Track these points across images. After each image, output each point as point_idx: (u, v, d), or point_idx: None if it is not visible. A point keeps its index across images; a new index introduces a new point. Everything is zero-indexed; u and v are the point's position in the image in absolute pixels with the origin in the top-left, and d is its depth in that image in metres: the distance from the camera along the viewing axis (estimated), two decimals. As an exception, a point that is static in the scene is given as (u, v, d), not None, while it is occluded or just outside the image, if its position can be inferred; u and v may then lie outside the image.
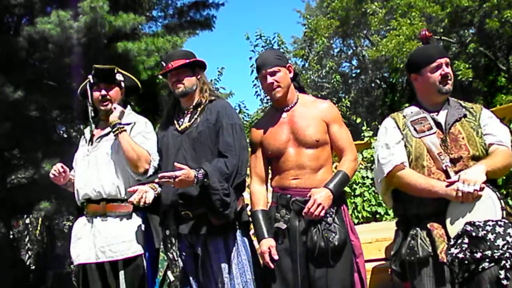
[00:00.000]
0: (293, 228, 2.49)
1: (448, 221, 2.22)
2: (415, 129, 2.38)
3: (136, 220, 2.85)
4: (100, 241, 2.78)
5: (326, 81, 13.46)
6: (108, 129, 2.91)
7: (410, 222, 2.36)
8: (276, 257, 2.48)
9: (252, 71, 12.21)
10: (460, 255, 2.07)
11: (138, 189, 2.56)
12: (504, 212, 2.11)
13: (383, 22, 13.47)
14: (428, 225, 2.27)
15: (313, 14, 18.40)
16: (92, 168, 2.87)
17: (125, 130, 2.78)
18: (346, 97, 13.65)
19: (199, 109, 2.73)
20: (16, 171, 7.86)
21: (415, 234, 2.30)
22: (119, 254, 2.77)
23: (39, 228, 10.46)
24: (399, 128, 2.43)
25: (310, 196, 2.46)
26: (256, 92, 12.38)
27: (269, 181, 2.79)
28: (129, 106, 3.06)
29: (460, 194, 2.15)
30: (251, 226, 2.73)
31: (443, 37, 13.49)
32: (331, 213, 2.48)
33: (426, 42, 2.98)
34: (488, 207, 2.13)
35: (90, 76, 2.92)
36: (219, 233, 2.58)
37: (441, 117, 2.39)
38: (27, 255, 10.19)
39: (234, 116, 2.72)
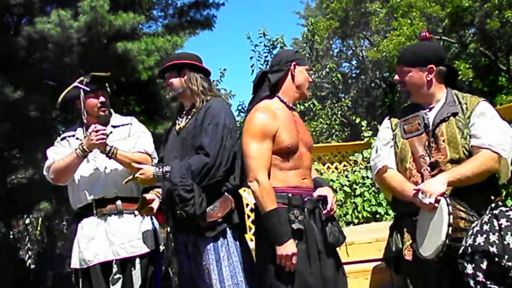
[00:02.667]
0: (310, 228, 2.45)
1: (417, 225, 2.27)
2: (404, 130, 2.40)
3: (147, 217, 2.93)
4: (119, 238, 2.83)
5: (326, 81, 13.44)
6: (107, 131, 2.92)
7: (399, 218, 2.46)
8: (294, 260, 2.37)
9: (253, 71, 12.22)
10: (470, 271, 2.00)
11: (146, 199, 2.65)
12: (450, 228, 2.06)
13: (383, 22, 13.46)
14: (403, 224, 2.37)
15: (313, 15, 18.38)
16: (103, 171, 2.91)
17: (116, 149, 2.81)
18: (346, 97, 13.63)
19: (193, 110, 2.74)
20: (16, 171, 7.85)
21: (396, 231, 2.40)
22: (139, 250, 2.84)
23: (39, 228, 10.46)
24: (392, 128, 2.46)
25: (319, 196, 2.51)
26: (256, 92, 12.31)
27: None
28: (111, 110, 3.09)
29: (420, 203, 2.19)
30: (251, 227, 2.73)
31: (443, 37, 13.49)
32: None
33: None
34: (439, 219, 2.12)
35: (81, 85, 2.89)
36: (208, 234, 2.57)
37: (431, 116, 2.39)
38: (27, 255, 10.18)
39: (221, 115, 2.61)
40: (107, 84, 3.00)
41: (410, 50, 2.53)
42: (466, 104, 2.37)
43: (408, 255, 2.29)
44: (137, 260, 2.82)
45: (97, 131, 2.75)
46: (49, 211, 7.06)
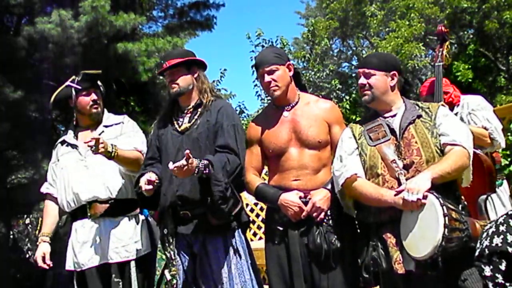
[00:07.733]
0: (292, 231, 2.46)
1: (401, 230, 2.20)
2: (370, 138, 2.36)
3: (141, 220, 2.90)
4: (112, 242, 2.79)
5: (326, 81, 13.46)
6: (99, 131, 2.91)
7: (369, 229, 2.35)
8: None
9: (253, 71, 12.25)
10: (488, 274, 1.97)
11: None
12: (447, 218, 2.04)
13: (382, 24, 13.46)
14: (383, 236, 2.26)
15: (313, 14, 18.38)
16: (95, 171, 2.85)
17: (117, 151, 2.69)
18: (347, 97, 13.65)
19: (199, 109, 2.68)
20: (16, 171, 7.85)
21: (375, 244, 2.28)
22: (134, 254, 2.80)
23: (39, 228, 10.45)
24: (355, 138, 2.41)
25: (310, 199, 2.45)
26: (257, 92, 12.38)
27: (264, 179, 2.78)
28: (105, 110, 3.06)
29: (406, 203, 2.13)
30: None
31: (442, 38, 13.47)
32: (332, 214, 2.47)
33: (442, 37, 2.98)
34: (432, 214, 2.08)
35: (73, 84, 2.88)
36: (218, 233, 2.55)
37: (396, 121, 2.36)
38: (27, 255, 10.17)
39: (235, 117, 2.69)
40: (99, 83, 2.97)
41: (375, 56, 2.58)
42: (428, 108, 2.40)
43: (400, 269, 2.18)
44: (132, 263, 2.79)
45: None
46: (49, 211, 7.05)
